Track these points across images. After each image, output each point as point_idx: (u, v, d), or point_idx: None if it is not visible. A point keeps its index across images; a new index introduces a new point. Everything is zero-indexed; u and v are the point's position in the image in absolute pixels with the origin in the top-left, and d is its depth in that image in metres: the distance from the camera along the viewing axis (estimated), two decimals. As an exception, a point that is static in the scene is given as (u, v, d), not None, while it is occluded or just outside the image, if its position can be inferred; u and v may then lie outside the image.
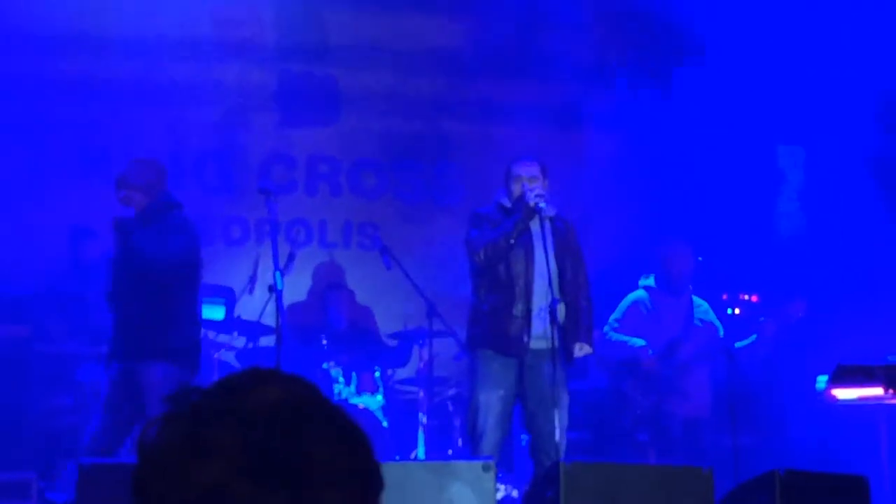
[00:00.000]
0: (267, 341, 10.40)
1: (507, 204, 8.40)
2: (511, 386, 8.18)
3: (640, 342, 9.74)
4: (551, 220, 8.28)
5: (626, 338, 9.84)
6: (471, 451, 8.09)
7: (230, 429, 1.47)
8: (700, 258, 9.56)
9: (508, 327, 8.19)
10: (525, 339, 8.17)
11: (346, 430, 1.54)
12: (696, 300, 9.84)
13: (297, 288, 11.66)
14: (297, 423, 1.50)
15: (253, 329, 10.57)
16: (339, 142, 12.64)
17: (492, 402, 8.12)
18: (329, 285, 11.56)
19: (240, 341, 10.72)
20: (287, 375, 1.56)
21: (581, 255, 8.50)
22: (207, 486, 1.44)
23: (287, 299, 8.28)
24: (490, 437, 8.10)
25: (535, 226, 8.24)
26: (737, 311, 9.98)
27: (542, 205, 8.16)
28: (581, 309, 8.34)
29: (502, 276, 8.23)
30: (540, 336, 8.17)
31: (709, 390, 9.71)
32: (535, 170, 8.42)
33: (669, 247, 9.91)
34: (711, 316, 9.70)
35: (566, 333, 8.18)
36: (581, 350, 8.30)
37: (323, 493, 1.46)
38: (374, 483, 1.53)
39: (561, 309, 8.14)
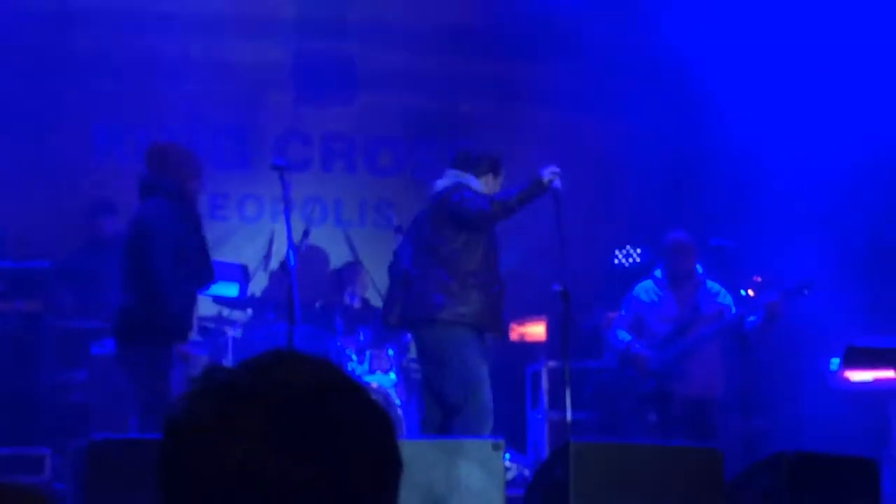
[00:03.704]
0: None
1: (481, 192, 8.30)
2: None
3: (624, 339, 9.74)
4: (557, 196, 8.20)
5: (617, 334, 9.84)
6: (474, 428, 7.95)
7: (258, 407, 1.49)
8: (720, 245, 9.48)
9: (495, 308, 8.20)
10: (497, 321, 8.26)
11: (370, 409, 1.57)
12: (710, 285, 9.82)
13: (312, 265, 11.68)
14: (324, 402, 1.52)
15: (266, 307, 10.58)
16: (356, 119, 12.64)
17: (487, 379, 8.12)
18: (345, 264, 11.56)
19: (253, 319, 10.73)
20: (313, 356, 1.59)
21: None
22: (236, 463, 1.46)
23: (301, 277, 8.26)
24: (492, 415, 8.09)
25: None
26: (750, 292, 9.97)
27: (558, 184, 8.11)
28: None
29: (487, 253, 8.20)
30: None
31: (720, 373, 9.70)
32: None
33: (670, 238, 9.89)
34: (728, 300, 9.67)
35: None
36: None
37: (349, 470, 1.49)
38: (395, 462, 1.56)
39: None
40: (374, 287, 11.01)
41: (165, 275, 7.58)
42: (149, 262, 7.59)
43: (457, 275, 8.09)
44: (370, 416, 1.55)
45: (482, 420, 7.98)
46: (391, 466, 1.55)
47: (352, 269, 11.39)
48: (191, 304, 7.98)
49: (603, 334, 10.65)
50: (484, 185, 8.30)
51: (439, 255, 8.15)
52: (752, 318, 9.37)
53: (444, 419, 8.15)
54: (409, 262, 8.33)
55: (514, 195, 8.05)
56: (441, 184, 8.37)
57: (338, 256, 11.99)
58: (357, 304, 11.09)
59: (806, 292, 9.44)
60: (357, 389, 1.57)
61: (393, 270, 8.64)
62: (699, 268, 9.84)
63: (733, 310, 9.54)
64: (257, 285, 11.26)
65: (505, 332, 8.45)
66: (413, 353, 10.64)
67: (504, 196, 8.10)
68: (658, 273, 9.91)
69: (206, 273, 7.99)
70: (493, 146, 8.83)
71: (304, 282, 9.13)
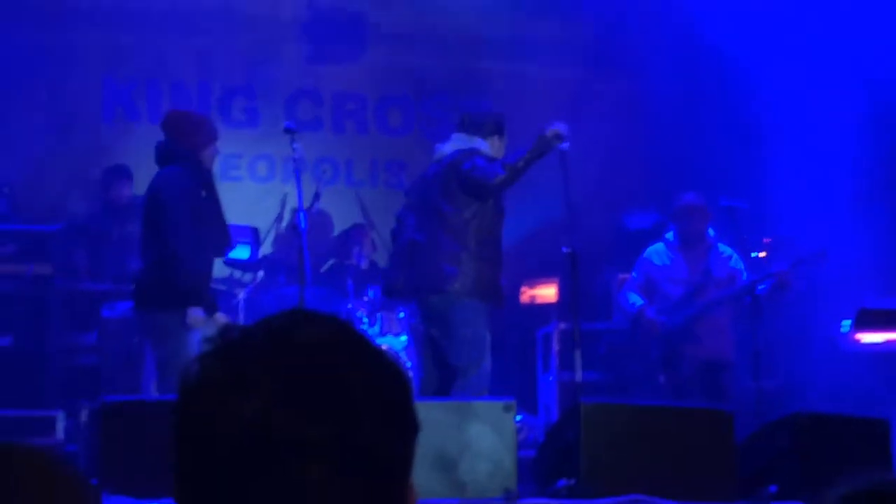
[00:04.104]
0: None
1: (490, 155, 8.22)
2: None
3: (637, 303, 9.75)
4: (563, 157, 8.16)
5: (628, 296, 9.85)
6: (475, 393, 7.84)
7: (272, 364, 1.48)
8: (731, 206, 9.43)
9: (496, 278, 8.19)
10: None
11: (386, 366, 1.56)
12: (722, 248, 9.80)
13: (322, 228, 11.69)
14: (339, 359, 1.51)
15: (278, 269, 10.59)
16: (367, 78, 12.62)
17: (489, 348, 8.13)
18: (352, 225, 11.55)
19: (264, 281, 10.73)
20: (328, 315, 1.58)
21: None
22: (249, 420, 1.45)
23: (312, 239, 8.27)
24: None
25: None
26: (762, 254, 9.95)
27: (565, 145, 8.06)
28: None
29: (494, 224, 8.17)
30: None
31: (730, 335, 9.70)
32: None
33: (682, 200, 9.87)
34: (740, 265, 9.65)
35: None
36: None
37: (364, 428, 1.48)
38: (412, 422, 1.56)
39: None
40: (383, 248, 11.00)
41: (181, 241, 7.61)
42: (165, 229, 7.62)
43: (467, 245, 8.02)
44: (386, 375, 1.55)
45: (482, 386, 7.97)
46: (408, 427, 1.55)
47: (359, 231, 11.38)
48: (208, 270, 8.01)
49: (614, 296, 10.65)
50: (491, 146, 8.24)
51: (448, 224, 8.05)
52: (762, 286, 9.36)
53: (443, 382, 8.14)
54: (414, 229, 8.24)
55: (521, 157, 7.99)
56: (448, 148, 8.28)
57: (349, 217, 11.99)
58: (365, 266, 11.08)
59: (818, 262, 9.44)
60: (372, 349, 1.57)
61: (396, 236, 8.55)
62: (711, 231, 9.83)
63: (744, 275, 9.52)
64: (269, 247, 11.25)
65: (503, 302, 8.40)
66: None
67: (511, 160, 8.05)
68: (670, 236, 9.89)
69: (222, 240, 8.02)
70: (495, 106, 8.76)
71: (314, 243, 9.14)
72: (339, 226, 12.01)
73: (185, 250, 7.61)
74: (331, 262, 11.22)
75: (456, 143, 8.27)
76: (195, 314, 7.60)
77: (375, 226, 11.68)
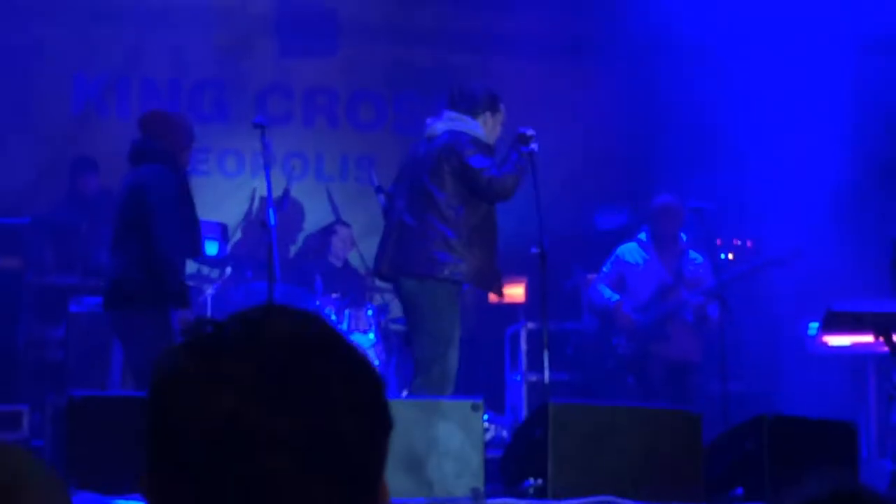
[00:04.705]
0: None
1: (484, 138, 8.08)
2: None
3: (613, 297, 9.78)
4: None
5: (601, 290, 9.89)
6: (436, 390, 7.70)
7: (245, 358, 1.48)
8: (699, 207, 9.44)
9: (494, 265, 8.11)
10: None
11: (359, 363, 1.56)
12: (693, 255, 9.86)
13: (295, 218, 11.67)
14: (312, 354, 1.51)
15: (246, 265, 10.56)
16: (338, 72, 12.57)
17: (458, 343, 7.94)
18: (332, 223, 11.50)
19: (231, 277, 10.69)
20: (301, 310, 1.58)
21: None
22: (222, 414, 1.45)
23: (284, 230, 8.25)
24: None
25: None
26: (731, 256, 9.99)
27: (535, 146, 8.05)
28: None
29: (489, 208, 8.07)
30: None
31: (697, 336, 9.74)
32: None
33: (657, 201, 9.91)
34: (707, 269, 9.69)
35: None
36: None
37: (338, 422, 1.48)
38: (385, 419, 1.55)
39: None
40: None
41: (170, 241, 7.56)
42: (154, 229, 7.54)
43: (459, 231, 7.85)
44: (360, 372, 1.55)
45: (445, 384, 7.78)
46: (381, 424, 1.54)
47: (339, 229, 11.33)
48: (184, 272, 7.98)
49: (583, 294, 10.66)
50: (483, 124, 8.10)
51: (439, 209, 7.88)
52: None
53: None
54: (404, 211, 8.04)
55: (513, 165, 7.91)
56: (440, 127, 8.09)
57: (319, 212, 11.96)
58: (338, 264, 11.07)
59: (792, 261, 9.49)
60: (346, 345, 1.57)
61: (386, 217, 8.35)
62: (684, 236, 9.87)
63: (712, 279, 9.55)
64: (236, 243, 11.22)
65: (502, 290, 8.33)
66: (393, 314, 10.61)
67: (506, 171, 7.89)
68: (643, 236, 9.93)
69: (196, 243, 7.97)
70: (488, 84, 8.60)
71: (286, 235, 9.11)
72: (309, 220, 11.99)
73: (173, 252, 7.58)
74: (299, 259, 11.18)
75: (447, 122, 8.10)
76: (184, 316, 7.56)
77: (349, 225, 11.63)
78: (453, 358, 7.86)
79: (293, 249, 11.92)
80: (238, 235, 11.23)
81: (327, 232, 11.38)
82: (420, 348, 7.95)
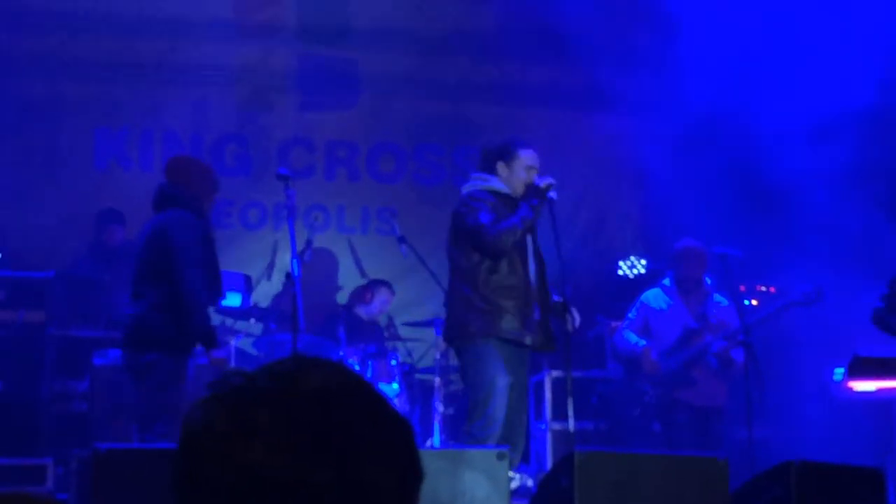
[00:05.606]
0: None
1: (504, 189, 8.14)
2: (515, 377, 8.08)
3: (640, 342, 9.77)
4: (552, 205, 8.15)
5: (628, 337, 9.86)
6: (478, 436, 7.83)
7: (275, 409, 1.49)
8: (724, 253, 9.41)
9: (523, 318, 8.08)
10: (536, 330, 8.13)
11: (390, 415, 1.56)
12: (718, 298, 9.83)
13: (317, 274, 11.69)
14: (342, 406, 1.51)
15: (270, 316, 10.56)
16: (359, 125, 12.65)
17: (505, 390, 7.96)
18: (374, 280, 11.47)
19: (256, 328, 10.70)
20: (332, 362, 1.59)
21: None
22: (251, 465, 1.45)
23: (305, 286, 8.25)
24: (500, 425, 7.99)
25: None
26: (754, 302, 9.95)
27: (553, 194, 8.06)
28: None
29: (512, 261, 8.07)
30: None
31: (723, 382, 9.70)
32: (537, 158, 8.31)
33: (681, 245, 9.90)
34: (732, 313, 9.65)
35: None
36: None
37: (367, 474, 1.47)
38: (415, 469, 1.54)
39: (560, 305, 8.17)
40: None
41: (196, 282, 7.59)
42: (179, 271, 7.58)
43: (483, 290, 7.95)
44: (389, 421, 1.54)
45: (488, 427, 7.87)
46: (411, 474, 1.54)
47: (385, 291, 11.32)
48: (209, 312, 8.02)
49: (607, 342, 10.63)
50: (500, 176, 8.15)
51: (461, 271, 8.04)
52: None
53: None
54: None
55: (518, 219, 7.92)
56: (463, 189, 8.30)
57: (340, 263, 12.00)
58: (366, 319, 11.07)
59: (813, 303, 9.44)
60: (376, 396, 1.56)
61: None
62: (708, 280, 9.85)
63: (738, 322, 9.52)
64: (260, 295, 11.23)
65: (552, 343, 8.36)
66: (416, 364, 10.66)
67: (502, 227, 7.90)
68: (667, 281, 9.92)
69: (217, 288, 7.99)
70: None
71: (307, 290, 9.10)
72: (331, 272, 12.02)
73: (200, 293, 7.61)
74: (324, 311, 11.18)
75: (466, 184, 8.29)
76: (217, 356, 7.60)
77: (366, 273, 11.65)
78: (490, 406, 7.89)
79: (339, 296, 11.91)
80: (263, 288, 11.23)
81: (373, 286, 11.35)
82: (467, 399, 8.17)
